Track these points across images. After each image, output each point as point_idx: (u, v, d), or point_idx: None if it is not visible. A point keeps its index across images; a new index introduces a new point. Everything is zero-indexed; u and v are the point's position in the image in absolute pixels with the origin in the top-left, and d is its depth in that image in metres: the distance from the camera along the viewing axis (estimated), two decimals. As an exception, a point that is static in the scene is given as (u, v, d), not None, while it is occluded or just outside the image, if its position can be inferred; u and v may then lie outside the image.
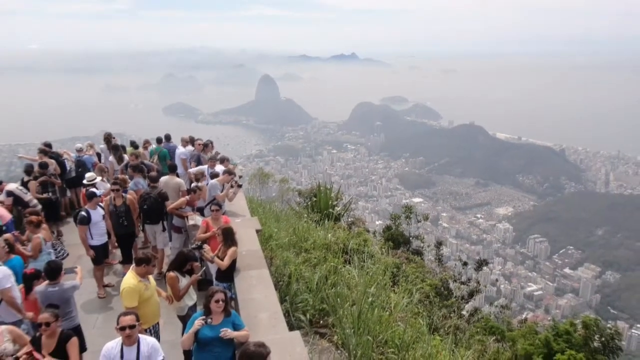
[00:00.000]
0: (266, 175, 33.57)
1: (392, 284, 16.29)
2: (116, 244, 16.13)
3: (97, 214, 14.93)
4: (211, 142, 23.07)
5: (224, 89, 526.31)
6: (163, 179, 17.56)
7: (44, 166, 19.17)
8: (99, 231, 14.98)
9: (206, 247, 12.58)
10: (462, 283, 23.03)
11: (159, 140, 23.40)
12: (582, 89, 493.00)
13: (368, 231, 25.30)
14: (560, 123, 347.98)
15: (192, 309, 11.25)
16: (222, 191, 16.82)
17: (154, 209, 15.75)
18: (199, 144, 22.30)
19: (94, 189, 16.82)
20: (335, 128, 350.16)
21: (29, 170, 18.93)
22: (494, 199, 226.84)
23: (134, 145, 23.36)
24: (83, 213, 14.68)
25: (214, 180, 17.32)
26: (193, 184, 17.29)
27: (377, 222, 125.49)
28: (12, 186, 17.54)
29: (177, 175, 18.65)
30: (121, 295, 10.33)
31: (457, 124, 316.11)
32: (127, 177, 18.44)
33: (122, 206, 15.36)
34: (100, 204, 15.34)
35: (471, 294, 22.48)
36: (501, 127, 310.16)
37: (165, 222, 16.21)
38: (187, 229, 15.60)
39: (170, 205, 15.63)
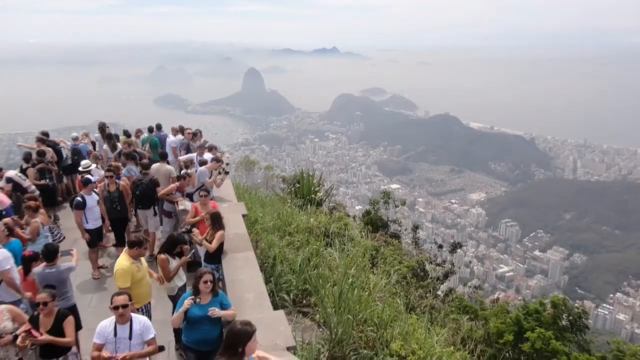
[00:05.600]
0: (252, 162, 33.68)
1: (371, 265, 16.34)
2: (110, 228, 16.15)
3: (92, 199, 14.96)
4: (200, 131, 23.20)
5: (212, 81, 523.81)
6: (154, 166, 17.61)
7: (41, 154, 19.28)
8: (94, 216, 15.02)
9: (195, 230, 12.60)
10: (438, 265, 23.07)
11: (150, 130, 23.39)
12: (551, 80, 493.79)
13: (348, 216, 25.30)
14: (531, 113, 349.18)
15: (182, 289, 11.30)
16: (210, 178, 16.86)
17: (146, 194, 15.82)
18: (189, 133, 22.49)
19: (89, 176, 16.84)
20: (318, 118, 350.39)
21: (27, 157, 18.92)
22: (467, 185, 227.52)
23: (126, 134, 23.29)
24: (79, 198, 14.71)
25: (203, 167, 17.36)
26: (183, 171, 17.33)
27: (357, 207, 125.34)
28: (12, 173, 17.54)
29: (168, 163, 18.73)
30: (115, 277, 10.38)
31: (433, 114, 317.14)
32: (120, 164, 18.48)
33: (116, 192, 15.40)
34: (95, 190, 15.36)
35: (446, 275, 22.54)
36: (475, 117, 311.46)
37: (156, 207, 16.27)
38: (177, 213, 15.65)
39: (161, 191, 15.66)
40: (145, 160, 17.86)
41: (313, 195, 23.13)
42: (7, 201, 15.16)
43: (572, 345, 15.88)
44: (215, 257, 12.13)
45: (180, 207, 15.30)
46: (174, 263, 11.13)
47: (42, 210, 13.94)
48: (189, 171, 17.19)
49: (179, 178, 16.66)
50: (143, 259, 11.04)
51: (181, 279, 11.53)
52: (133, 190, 15.98)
